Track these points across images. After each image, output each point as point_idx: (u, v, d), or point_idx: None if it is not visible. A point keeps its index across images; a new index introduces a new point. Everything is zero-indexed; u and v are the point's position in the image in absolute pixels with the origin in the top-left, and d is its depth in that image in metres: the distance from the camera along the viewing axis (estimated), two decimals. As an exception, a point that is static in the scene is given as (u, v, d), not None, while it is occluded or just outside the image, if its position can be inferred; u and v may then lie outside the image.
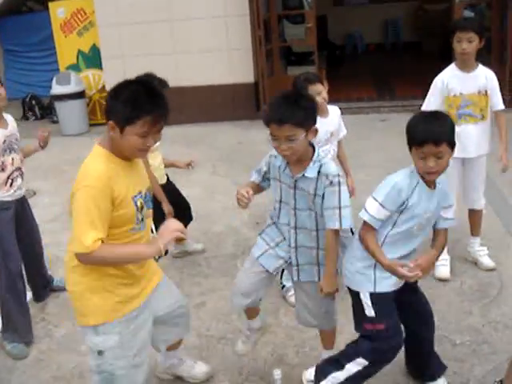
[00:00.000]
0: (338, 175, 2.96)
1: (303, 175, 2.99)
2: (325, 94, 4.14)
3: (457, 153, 4.32)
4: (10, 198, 4.05)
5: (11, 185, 4.04)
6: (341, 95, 10.51)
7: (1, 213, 4.00)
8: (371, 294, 3.04)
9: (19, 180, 4.13)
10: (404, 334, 3.15)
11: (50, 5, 10.76)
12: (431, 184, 2.93)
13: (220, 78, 10.10)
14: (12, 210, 4.09)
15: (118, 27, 10.11)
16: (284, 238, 3.22)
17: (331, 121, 4.27)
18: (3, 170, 3.98)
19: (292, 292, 4.27)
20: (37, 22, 11.32)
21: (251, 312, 3.47)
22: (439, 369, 3.34)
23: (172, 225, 2.75)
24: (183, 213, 4.74)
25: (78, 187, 2.58)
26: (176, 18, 10.04)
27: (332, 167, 2.99)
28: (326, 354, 3.41)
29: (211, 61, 10.09)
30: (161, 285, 3.09)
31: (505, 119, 4.50)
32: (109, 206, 2.59)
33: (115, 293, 2.76)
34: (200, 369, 3.56)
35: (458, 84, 4.29)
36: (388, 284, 3.03)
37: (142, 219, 2.79)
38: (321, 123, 4.13)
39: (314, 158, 2.99)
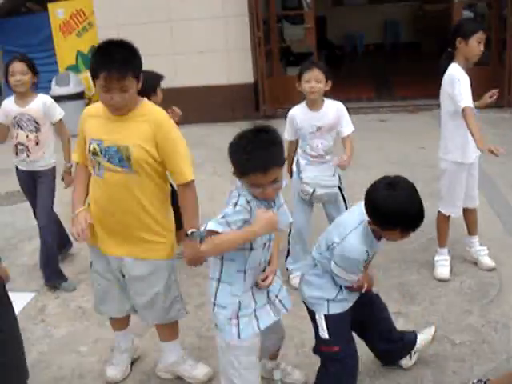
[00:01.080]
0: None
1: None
2: (319, 85, 4.13)
3: (471, 157, 4.31)
4: (18, 166, 4.93)
5: (17, 154, 4.84)
6: (340, 95, 10.42)
7: (20, 178, 5.00)
8: (326, 316, 3.07)
9: (23, 155, 4.82)
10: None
11: (49, 6, 10.77)
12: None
13: (219, 79, 10.10)
14: (27, 182, 4.93)
15: (117, 28, 10.09)
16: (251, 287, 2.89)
17: (322, 116, 4.24)
18: (12, 138, 4.83)
19: (295, 274, 4.42)
20: (36, 23, 11.32)
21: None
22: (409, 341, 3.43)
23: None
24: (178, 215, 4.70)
25: None
26: (175, 18, 10.04)
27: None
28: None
29: (210, 61, 10.09)
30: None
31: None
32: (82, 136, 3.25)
33: None
34: (201, 370, 3.55)
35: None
36: (342, 305, 3.07)
37: (99, 166, 3.11)
38: (307, 116, 4.19)
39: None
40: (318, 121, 4.22)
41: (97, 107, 3.17)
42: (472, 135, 3.96)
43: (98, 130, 3.11)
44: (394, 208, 2.68)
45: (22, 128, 4.76)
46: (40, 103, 4.80)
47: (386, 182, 2.76)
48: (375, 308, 3.32)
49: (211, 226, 2.69)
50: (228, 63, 10.14)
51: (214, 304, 2.86)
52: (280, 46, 11.05)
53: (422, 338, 3.48)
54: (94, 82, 2.99)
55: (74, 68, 10.88)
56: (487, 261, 4.59)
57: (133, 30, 10.02)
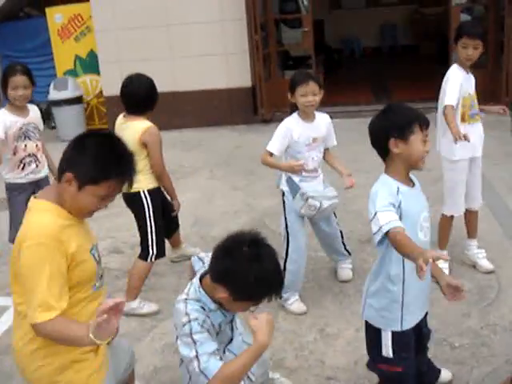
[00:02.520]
0: None
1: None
2: (315, 98, 4.08)
3: (468, 153, 4.38)
4: (22, 181, 4.69)
5: (23, 168, 4.65)
6: (338, 99, 10.53)
7: (16, 194, 4.69)
8: (393, 334, 2.78)
9: (33, 165, 4.72)
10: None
11: (47, 10, 10.77)
12: (410, 181, 2.77)
13: (217, 83, 10.10)
14: (27, 192, 4.53)
15: (115, 32, 10.11)
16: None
17: (316, 127, 4.20)
18: (15, 154, 4.62)
19: (291, 300, 4.27)
20: (34, 28, 11.31)
21: None
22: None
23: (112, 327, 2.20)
24: (171, 219, 4.72)
25: (26, 245, 2.27)
26: (173, 22, 10.04)
27: None
28: None
29: (208, 65, 10.09)
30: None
31: None
32: (65, 266, 2.30)
33: (86, 363, 2.47)
34: None
35: (467, 85, 4.33)
36: (410, 321, 2.82)
37: (102, 275, 2.57)
38: (303, 127, 4.15)
39: None
40: (313, 132, 4.18)
41: (51, 216, 2.35)
42: (449, 127, 4.09)
43: (82, 239, 2.46)
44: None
45: (30, 138, 4.67)
46: (36, 110, 4.80)
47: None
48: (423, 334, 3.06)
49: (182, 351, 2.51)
50: (226, 67, 10.15)
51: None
52: (278, 49, 11.07)
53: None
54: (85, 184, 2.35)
55: (72, 72, 10.88)
56: (486, 263, 4.60)
57: (131, 35, 10.07)
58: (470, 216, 4.66)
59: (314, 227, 4.50)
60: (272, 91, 10.11)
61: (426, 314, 2.99)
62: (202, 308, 2.50)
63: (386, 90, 11.93)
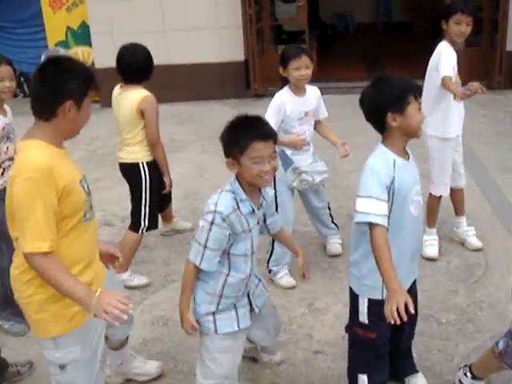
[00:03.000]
0: None
1: (264, 200, 2.85)
2: (308, 72, 4.08)
3: (458, 130, 4.39)
4: (2, 187, 3.70)
5: (2, 174, 3.79)
6: (331, 75, 10.48)
7: None
8: (372, 301, 2.81)
9: (9, 171, 3.71)
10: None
11: (39, -20, 10.63)
12: (405, 154, 2.77)
13: (210, 56, 10.03)
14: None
15: (108, 3, 9.99)
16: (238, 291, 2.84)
17: (307, 101, 4.22)
18: None
19: (281, 274, 4.32)
20: (25, -2, 11.18)
21: None
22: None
23: (116, 297, 2.35)
24: (163, 195, 4.70)
25: (18, 180, 2.35)
26: (166, -6, 9.96)
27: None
28: None
29: (201, 39, 10.01)
30: (107, 284, 2.77)
31: None
32: (55, 199, 2.38)
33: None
34: (152, 364, 3.43)
35: (454, 62, 4.31)
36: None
37: (91, 207, 2.62)
38: (295, 102, 4.15)
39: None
40: (305, 106, 4.20)
41: (40, 150, 2.42)
42: (452, 92, 4.12)
43: (74, 169, 2.58)
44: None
45: (11, 140, 3.86)
46: (9, 111, 4.00)
47: None
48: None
49: (192, 258, 2.75)
50: (219, 41, 10.08)
51: (193, 299, 2.86)
52: (271, 24, 10.99)
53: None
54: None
55: (64, 44, 10.77)
56: (474, 241, 4.64)
57: (123, 7, 9.96)
58: (457, 194, 4.68)
59: (304, 199, 4.55)
60: (265, 66, 10.05)
61: (415, 286, 3.02)
62: (234, 198, 2.67)
63: (379, 66, 11.88)
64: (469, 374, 3.12)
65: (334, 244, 4.68)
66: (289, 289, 4.25)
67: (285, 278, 4.31)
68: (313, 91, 4.30)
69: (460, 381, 3.16)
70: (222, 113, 9.32)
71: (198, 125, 8.55)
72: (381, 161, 2.67)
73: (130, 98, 4.18)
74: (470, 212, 4.84)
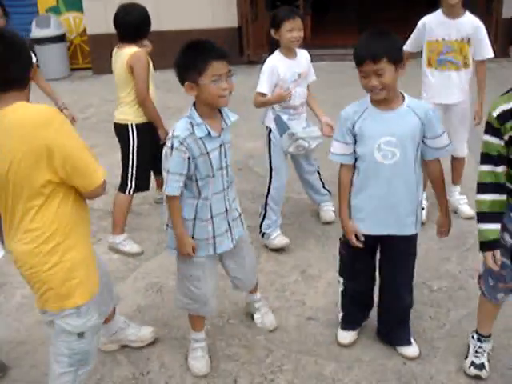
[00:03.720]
0: None
1: (228, 124, 2.93)
2: (300, 34, 4.08)
3: (438, 99, 4.40)
4: None
5: None
6: (326, 42, 10.39)
7: None
8: (340, 240, 3.21)
9: None
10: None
11: None
12: (384, 105, 2.86)
13: (203, 23, 9.93)
14: None
15: (99, -32, 9.86)
16: (211, 216, 2.96)
17: (299, 62, 4.22)
18: None
19: (274, 235, 4.36)
20: (15, -38, 11.00)
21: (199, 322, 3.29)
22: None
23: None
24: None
25: (54, 128, 2.31)
26: (159, -41, 9.81)
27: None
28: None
29: (194, 4, 9.91)
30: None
31: (485, 71, 4.50)
32: None
33: (94, 264, 2.61)
34: (147, 330, 3.45)
35: (442, 30, 4.29)
36: (362, 227, 3.06)
37: None
38: (288, 64, 4.15)
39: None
40: (298, 67, 4.20)
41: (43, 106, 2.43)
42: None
43: None
44: (363, 38, 2.87)
45: None
46: None
47: None
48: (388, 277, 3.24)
49: (168, 191, 2.86)
50: (212, 7, 9.97)
51: (167, 224, 3.01)
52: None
53: None
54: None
55: (55, 9, 10.64)
56: (467, 209, 4.65)
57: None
58: (456, 163, 4.70)
59: (295, 163, 4.56)
60: (259, 32, 9.97)
61: (401, 244, 3.10)
62: (190, 123, 2.80)
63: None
64: (475, 335, 3.15)
65: (328, 211, 4.69)
66: (281, 252, 4.28)
67: (278, 237, 4.35)
68: (303, 54, 4.31)
69: (468, 346, 3.16)
70: (215, 80, 9.26)
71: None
72: (351, 108, 2.95)
73: (122, 55, 4.19)
74: (464, 181, 4.84)
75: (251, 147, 6.15)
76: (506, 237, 2.79)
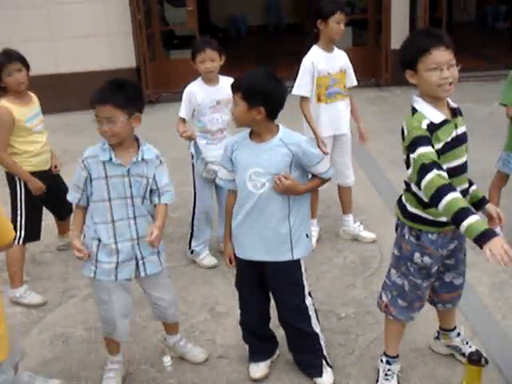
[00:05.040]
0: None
1: (141, 159, 3.03)
2: (213, 64, 4.28)
3: (330, 131, 4.53)
4: None
5: None
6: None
7: None
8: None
9: None
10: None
11: None
12: (258, 138, 3.01)
13: (101, 64, 9.82)
14: None
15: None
16: (115, 242, 3.08)
17: (219, 90, 4.33)
18: None
19: (203, 255, 4.57)
20: None
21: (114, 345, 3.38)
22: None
23: None
24: (64, 204, 4.58)
25: None
26: (53, 1, 9.68)
27: (154, 149, 3.13)
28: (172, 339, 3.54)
29: (91, 46, 9.82)
30: None
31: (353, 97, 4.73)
32: None
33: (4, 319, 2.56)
34: (54, 383, 3.33)
35: (326, 64, 4.45)
36: (240, 251, 3.17)
37: None
38: (206, 90, 4.32)
39: (141, 142, 3.10)
40: (217, 95, 4.33)
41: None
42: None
43: None
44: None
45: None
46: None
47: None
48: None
49: (68, 197, 3.18)
50: (109, 48, 9.91)
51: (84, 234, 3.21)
52: (162, 29, 10.90)
53: None
54: None
55: None
56: (367, 234, 4.78)
57: (8, 14, 9.57)
58: (343, 192, 4.83)
59: (217, 189, 4.57)
60: (157, 71, 9.99)
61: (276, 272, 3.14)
62: (100, 147, 3.05)
63: (271, 67, 12.03)
64: (384, 358, 3.21)
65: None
66: (190, 292, 4.25)
67: (207, 258, 4.57)
68: (228, 81, 4.36)
69: (378, 369, 3.23)
70: (116, 121, 9.17)
71: (91, 134, 8.12)
72: (234, 138, 3.14)
73: None
74: (363, 206, 4.99)
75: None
76: (426, 258, 2.90)
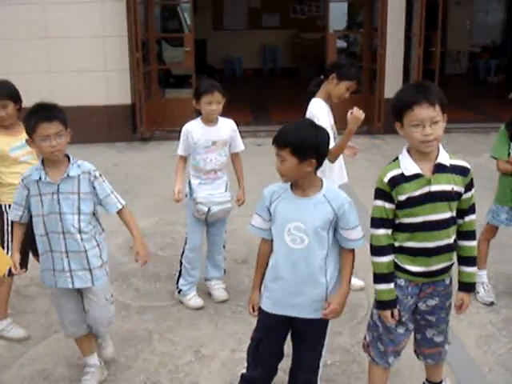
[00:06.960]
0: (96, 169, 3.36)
1: (67, 176, 3.24)
2: (219, 107, 4.31)
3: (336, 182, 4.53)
4: None
5: None
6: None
7: None
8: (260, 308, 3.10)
9: None
10: None
11: None
12: (301, 191, 2.90)
13: (96, 99, 9.92)
14: None
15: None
16: (50, 251, 3.35)
17: (217, 130, 4.38)
18: None
19: (190, 296, 4.52)
20: None
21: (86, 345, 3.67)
22: None
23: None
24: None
25: None
26: (52, 36, 9.79)
27: (88, 165, 3.36)
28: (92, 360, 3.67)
29: (88, 81, 9.90)
30: None
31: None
32: None
33: None
34: None
35: (330, 117, 4.47)
36: (270, 306, 3.03)
37: None
38: (203, 130, 4.35)
39: (72, 160, 3.33)
40: (214, 136, 4.37)
41: None
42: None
43: None
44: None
45: None
46: None
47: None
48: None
49: (10, 216, 3.52)
50: (106, 84, 9.99)
51: None
52: (159, 68, 11.02)
53: None
54: None
55: None
56: (356, 281, 4.75)
57: (7, 46, 9.67)
58: None
59: (208, 229, 4.60)
60: (152, 109, 10.07)
61: (307, 327, 3.04)
62: (36, 168, 3.31)
63: (265, 111, 12.16)
64: None
65: (220, 289, 4.69)
66: (175, 333, 4.20)
67: (193, 299, 4.52)
68: (227, 123, 4.49)
69: None
70: (108, 156, 9.20)
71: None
72: (272, 187, 3.00)
73: None
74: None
75: (142, 226, 6.04)
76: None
